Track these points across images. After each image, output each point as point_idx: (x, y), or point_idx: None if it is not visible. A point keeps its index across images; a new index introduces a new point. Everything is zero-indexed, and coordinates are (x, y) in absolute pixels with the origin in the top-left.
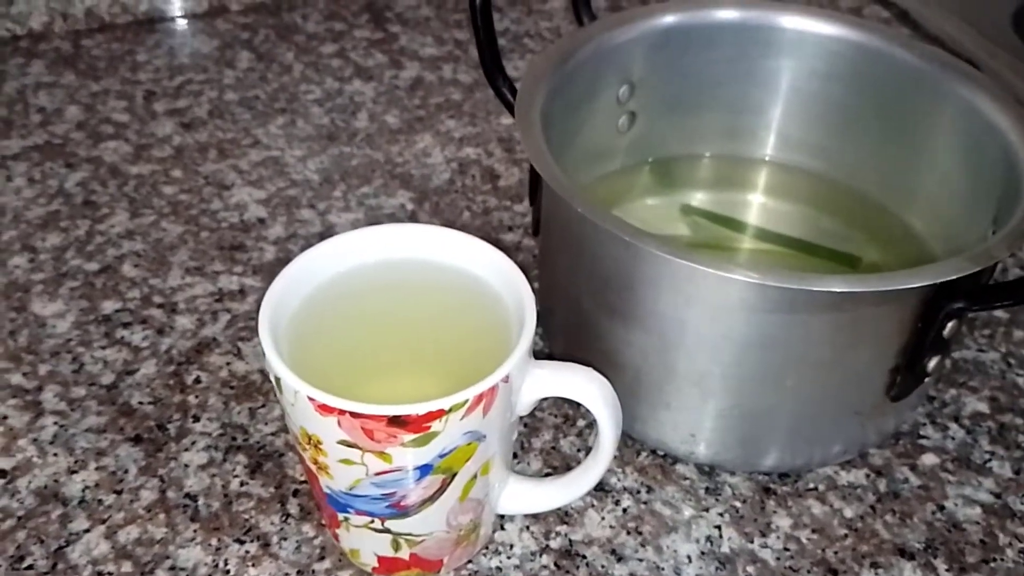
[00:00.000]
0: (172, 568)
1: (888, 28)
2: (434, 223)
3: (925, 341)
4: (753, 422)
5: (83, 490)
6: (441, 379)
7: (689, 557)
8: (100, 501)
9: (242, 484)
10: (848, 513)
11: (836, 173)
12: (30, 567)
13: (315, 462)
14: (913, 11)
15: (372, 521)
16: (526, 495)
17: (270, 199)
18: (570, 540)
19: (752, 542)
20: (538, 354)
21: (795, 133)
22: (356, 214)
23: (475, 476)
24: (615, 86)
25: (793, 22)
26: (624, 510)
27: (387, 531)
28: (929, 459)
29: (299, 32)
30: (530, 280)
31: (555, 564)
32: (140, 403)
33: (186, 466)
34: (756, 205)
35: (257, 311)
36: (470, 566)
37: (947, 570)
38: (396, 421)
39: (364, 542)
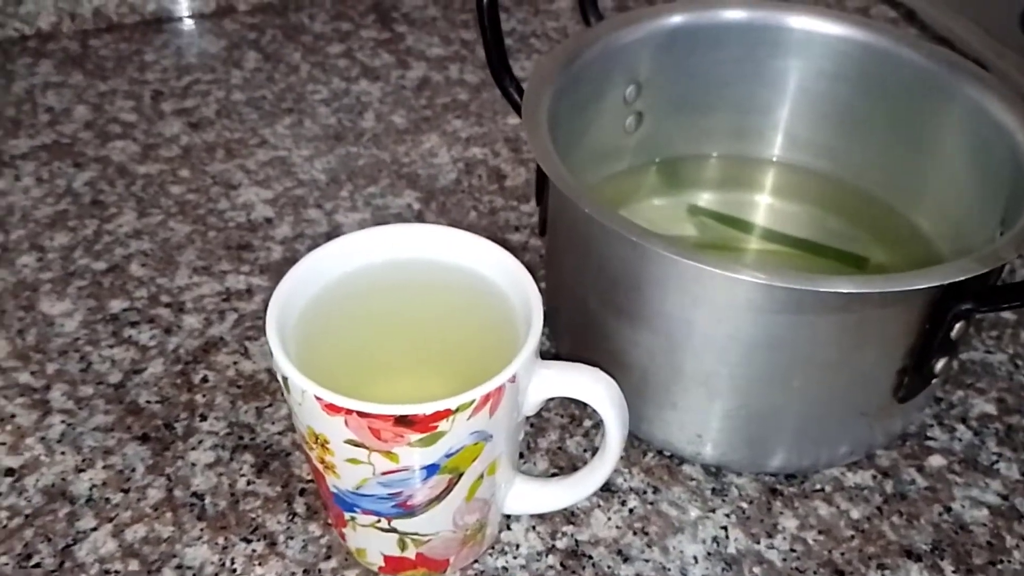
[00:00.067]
0: (179, 567)
1: (895, 28)
2: (441, 223)
3: (932, 342)
4: (760, 423)
5: (90, 489)
6: (448, 379)
7: (695, 558)
8: (107, 500)
9: (249, 483)
10: (855, 514)
11: (843, 173)
12: (37, 565)
13: (322, 461)
14: (920, 11)
15: (378, 520)
16: (532, 495)
17: (277, 199)
18: (576, 540)
19: (759, 543)
20: (545, 354)
21: (802, 133)
22: (363, 214)
23: (481, 476)
24: (622, 86)
25: (800, 22)
26: (630, 510)
27: (393, 530)
28: (936, 460)
29: (306, 32)
30: (537, 280)
31: (561, 564)
32: (147, 402)
33: (193, 465)
34: (763, 205)
35: (264, 310)
36: (476, 566)
37: (954, 572)
38: (403, 421)
39: (370, 541)
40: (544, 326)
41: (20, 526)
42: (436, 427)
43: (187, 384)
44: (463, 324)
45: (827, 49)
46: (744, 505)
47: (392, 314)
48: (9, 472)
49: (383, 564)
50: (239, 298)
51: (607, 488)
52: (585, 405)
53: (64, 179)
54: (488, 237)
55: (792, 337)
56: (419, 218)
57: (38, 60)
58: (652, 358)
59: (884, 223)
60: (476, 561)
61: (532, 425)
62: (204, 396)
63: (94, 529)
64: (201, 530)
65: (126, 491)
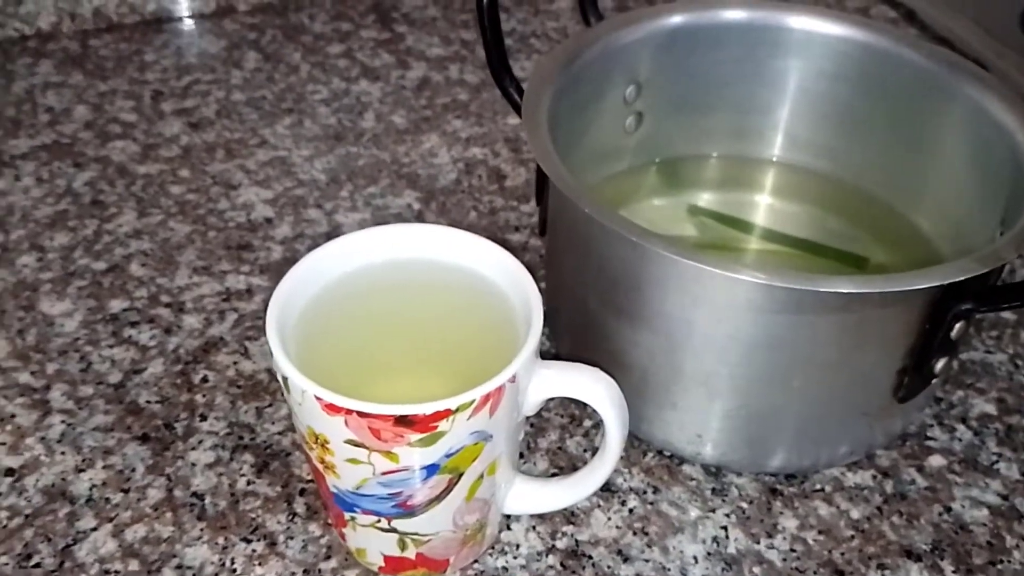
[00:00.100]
0: (179, 567)
1: (895, 28)
2: (441, 223)
3: (932, 342)
4: (760, 423)
5: (90, 488)
6: (448, 379)
7: (695, 558)
8: (107, 500)
9: (249, 483)
10: (855, 514)
11: (843, 173)
12: (37, 565)
13: (322, 461)
14: (920, 11)
15: (378, 520)
16: (532, 495)
17: (277, 199)
18: (576, 540)
19: (759, 543)
20: (545, 354)
21: (802, 133)
22: (363, 214)
23: (481, 476)
24: (622, 86)
25: (800, 22)
26: (630, 510)
27: (393, 530)
28: (936, 460)
29: (306, 32)
30: (537, 280)
31: (561, 564)
32: (147, 402)
33: (193, 465)
34: (763, 206)
35: (264, 310)
36: (476, 566)
37: (954, 572)
38: (403, 421)
39: (370, 541)
40: (544, 326)
41: (20, 526)
42: (436, 427)
43: (187, 384)
44: (463, 324)
45: (827, 49)
46: (744, 505)
47: (392, 314)
48: (9, 472)
49: (383, 564)
50: (239, 298)
51: (607, 488)
52: (585, 405)
53: (64, 179)
54: (488, 237)
55: (792, 337)
56: (419, 218)
57: (38, 60)
58: (652, 358)
59: (884, 223)
60: (476, 561)
61: (532, 425)
62: (204, 396)
63: (94, 529)
64: (201, 530)
65: (126, 491)
